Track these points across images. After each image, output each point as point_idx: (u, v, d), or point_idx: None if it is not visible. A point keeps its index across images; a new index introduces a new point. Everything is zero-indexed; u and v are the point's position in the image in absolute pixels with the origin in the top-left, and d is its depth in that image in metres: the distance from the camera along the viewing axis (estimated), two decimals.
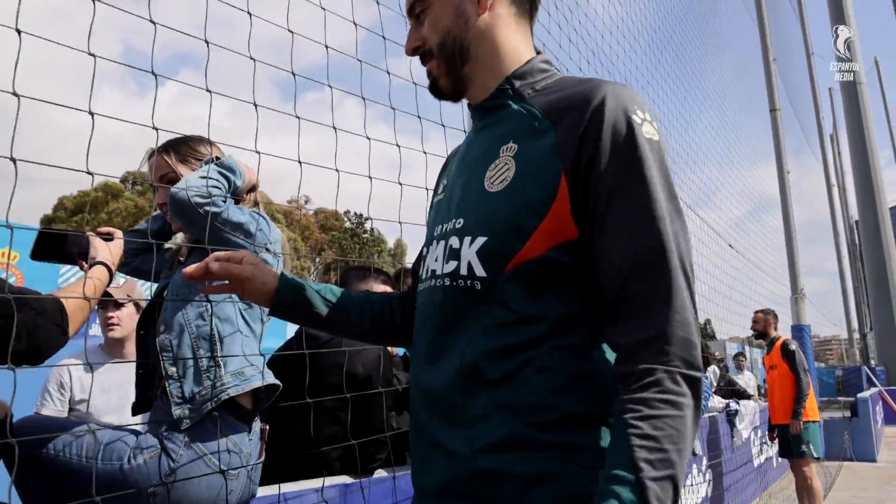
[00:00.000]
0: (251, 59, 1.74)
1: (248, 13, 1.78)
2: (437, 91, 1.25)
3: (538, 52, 1.22)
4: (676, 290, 0.95)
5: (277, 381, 1.81)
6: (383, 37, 2.15)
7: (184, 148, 1.90)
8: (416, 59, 1.30)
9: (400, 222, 2.06)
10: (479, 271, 1.09)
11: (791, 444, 6.05)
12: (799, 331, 9.57)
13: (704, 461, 5.76)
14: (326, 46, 1.98)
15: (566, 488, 0.97)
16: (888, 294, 20.13)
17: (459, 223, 1.13)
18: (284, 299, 1.31)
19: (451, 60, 1.20)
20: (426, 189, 1.85)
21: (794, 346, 6.12)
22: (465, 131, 1.93)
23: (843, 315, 26.23)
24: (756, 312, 6.66)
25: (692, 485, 5.30)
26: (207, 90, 1.66)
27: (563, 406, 1.00)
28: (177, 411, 1.65)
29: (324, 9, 2.03)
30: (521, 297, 1.07)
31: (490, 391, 1.02)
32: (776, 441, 6.37)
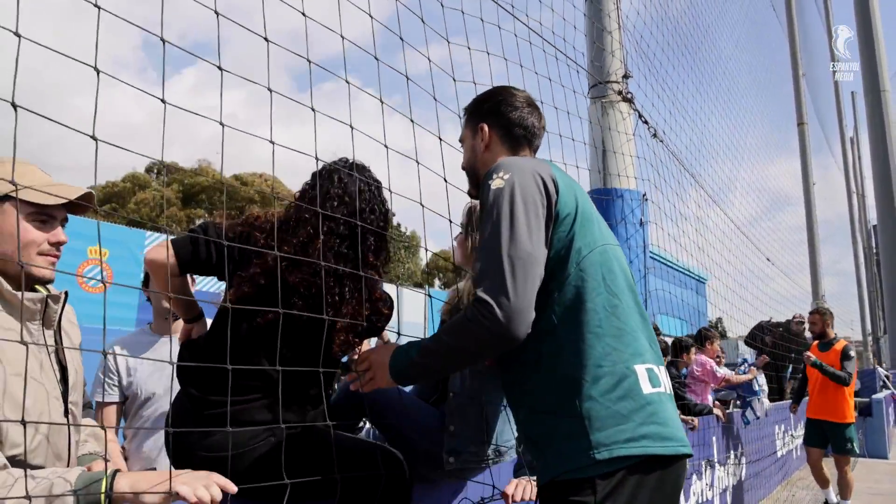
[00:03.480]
0: (266, 39, 1.65)
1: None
2: (472, 195, 2.04)
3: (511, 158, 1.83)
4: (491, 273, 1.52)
5: None
6: (400, 37, 2.24)
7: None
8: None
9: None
10: None
11: (836, 440, 6.44)
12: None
13: (740, 448, 6.39)
14: (342, 37, 1.96)
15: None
16: None
17: None
18: None
19: (472, 178, 1.95)
20: (444, 180, 2.13)
21: (853, 352, 6.55)
22: None
23: (857, 317, 26.55)
24: (812, 314, 7.04)
25: (725, 465, 5.92)
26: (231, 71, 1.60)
27: None
28: None
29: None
30: None
31: None
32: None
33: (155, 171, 46.10)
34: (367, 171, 2.07)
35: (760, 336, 9.78)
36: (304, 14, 1.86)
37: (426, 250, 2.30)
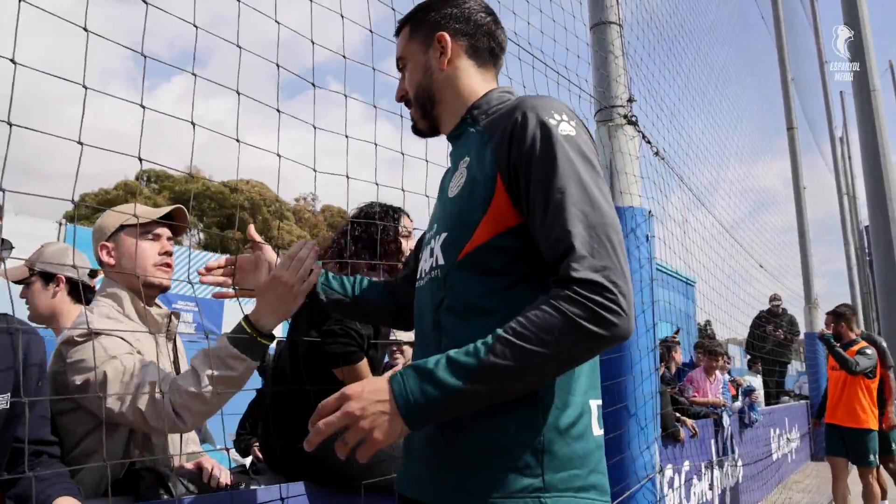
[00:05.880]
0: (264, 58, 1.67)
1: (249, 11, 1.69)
2: (418, 131, 1.56)
3: (504, 86, 1.50)
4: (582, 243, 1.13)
5: None
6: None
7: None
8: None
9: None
10: (440, 261, 1.32)
11: (856, 449, 5.97)
12: (812, 339, 10.30)
13: (736, 450, 6.57)
14: (347, 48, 1.88)
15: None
16: None
17: (435, 228, 1.40)
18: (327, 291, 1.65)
19: (423, 106, 1.50)
20: (426, 196, 2.00)
21: (870, 350, 6.00)
22: None
23: None
24: (827, 314, 6.54)
25: (723, 467, 6.07)
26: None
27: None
28: None
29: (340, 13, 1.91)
30: (464, 281, 1.26)
31: None
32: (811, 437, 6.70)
33: (144, 178, 46.32)
34: (397, 216, 2.54)
35: (760, 334, 9.90)
36: (277, 22, 1.75)
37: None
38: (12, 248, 1.89)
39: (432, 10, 1.49)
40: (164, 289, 1.93)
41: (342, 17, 1.95)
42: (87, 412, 1.74)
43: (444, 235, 1.33)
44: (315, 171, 1.79)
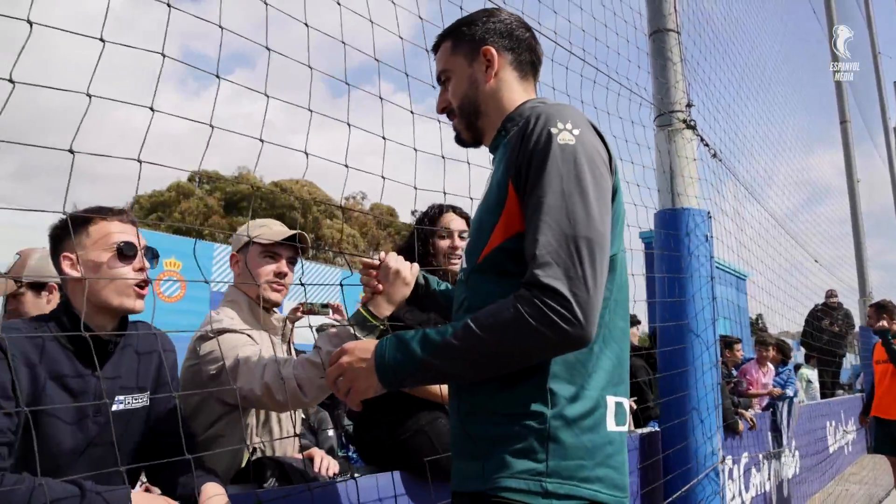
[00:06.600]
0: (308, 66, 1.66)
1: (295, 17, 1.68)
2: (461, 141, 1.61)
3: (540, 97, 1.56)
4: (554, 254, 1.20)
5: None
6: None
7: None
8: None
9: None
10: (464, 264, 1.45)
11: None
12: (868, 333, 10.16)
13: (793, 442, 6.59)
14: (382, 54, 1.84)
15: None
16: None
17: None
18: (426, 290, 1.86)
19: (468, 117, 1.54)
20: (470, 198, 1.99)
21: None
22: None
23: None
24: (869, 307, 6.48)
25: (780, 459, 6.11)
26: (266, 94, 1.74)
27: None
28: None
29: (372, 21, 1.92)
30: (483, 283, 1.35)
31: None
32: (867, 431, 6.60)
33: (197, 179, 47.50)
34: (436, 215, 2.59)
35: (817, 324, 9.83)
36: (306, 24, 1.76)
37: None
38: (157, 256, 1.96)
39: (474, 26, 1.53)
40: (273, 304, 2.14)
41: (397, 28, 2.03)
42: (217, 400, 1.97)
43: (468, 241, 1.44)
44: (318, 195, 1.90)
